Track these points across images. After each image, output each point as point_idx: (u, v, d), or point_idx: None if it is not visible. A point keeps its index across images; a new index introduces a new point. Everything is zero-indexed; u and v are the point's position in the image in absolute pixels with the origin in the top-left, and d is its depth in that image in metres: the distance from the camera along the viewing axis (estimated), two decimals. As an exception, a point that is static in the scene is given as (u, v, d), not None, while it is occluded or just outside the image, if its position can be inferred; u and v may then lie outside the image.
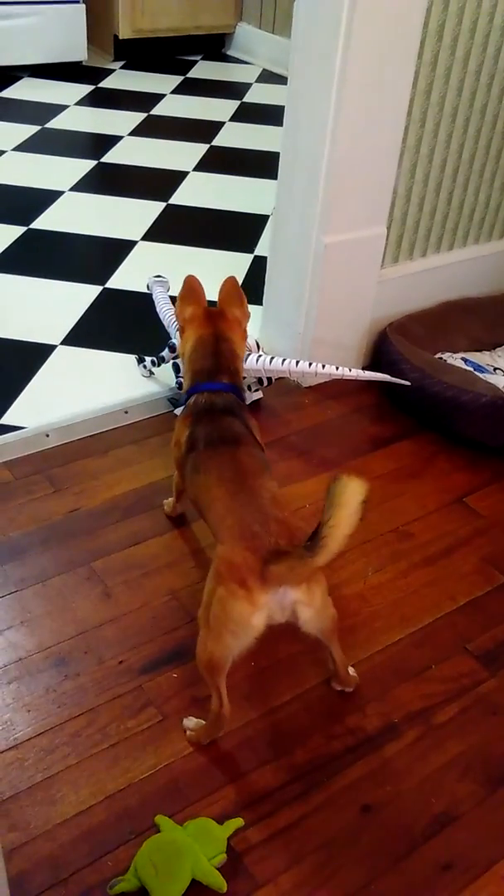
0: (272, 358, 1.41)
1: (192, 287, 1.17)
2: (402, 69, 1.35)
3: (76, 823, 0.89)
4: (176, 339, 1.48)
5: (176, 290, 1.69)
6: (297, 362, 1.40)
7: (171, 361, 1.49)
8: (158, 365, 1.55)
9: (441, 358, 1.59)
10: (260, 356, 1.42)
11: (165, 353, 1.51)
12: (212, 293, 1.84)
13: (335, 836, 0.90)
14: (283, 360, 1.41)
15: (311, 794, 0.94)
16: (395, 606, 1.17)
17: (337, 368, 1.40)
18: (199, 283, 1.18)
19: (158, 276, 1.62)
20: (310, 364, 1.40)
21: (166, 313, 1.54)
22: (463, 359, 1.61)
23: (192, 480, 1.06)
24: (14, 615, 1.11)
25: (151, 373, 1.56)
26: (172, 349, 1.49)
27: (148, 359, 1.55)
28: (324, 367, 1.40)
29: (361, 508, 0.82)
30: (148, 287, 1.62)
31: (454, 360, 1.60)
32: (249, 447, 1.05)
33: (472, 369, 1.56)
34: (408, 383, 1.43)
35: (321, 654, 1.08)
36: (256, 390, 1.52)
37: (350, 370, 1.41)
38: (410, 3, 1.29)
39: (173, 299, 1.57)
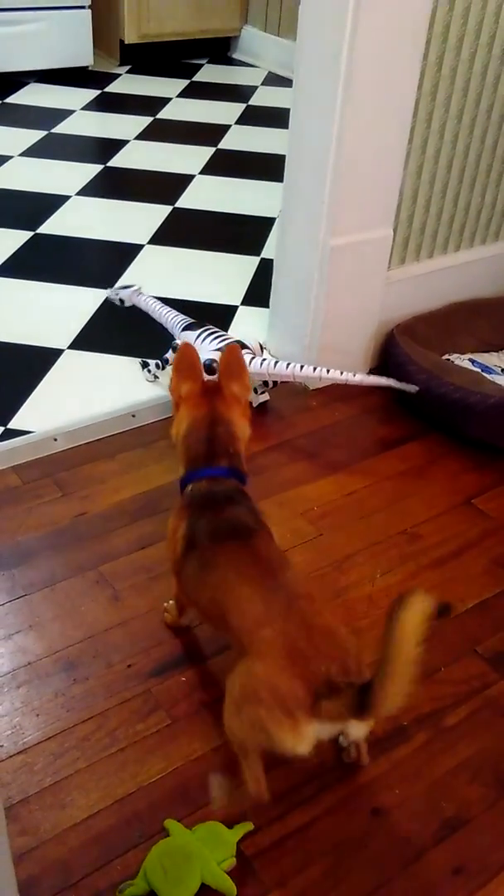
0: (277, 362, 1.41)
1: (187, 359, 1.05)
2: (408, 70, 1.35)
3: (85, 827, 0.89)
4: (180, 340, 1.49)
5: (179, 294, 1.70)
6: (302, 367, 1.40)
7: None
8: (163, 368, 1.55)
9: (448, 359, 1.59)
10: (265, 360, 1.42)
11: (169, 355, 1.51)
12: (217, 296, 1.85)
13: (345, 839, 0.90)
14: (288, 364, 1.41)
15: (321, 797, 0.93)
16: (403, 609, 1.16)
17: (342, 373, 1.40)
18: (195, 354, 1.07)
19: (127, 286, 1.58)
20: (314, 369, 1.40)
21: (168, 316, 1.53)
22: (470, 360, 1.60)
23: (199, 581, 0.94)
24: (23, 619, 1.11)
25: (156, 377, 1.56)
26: (176, 350, 1.49)
27: (152, 363, 1.55)
28: (328, 371, 1.40)
29: (424, 631, 0.73)
30: (122, 303, 1.59)
31: (462, 361, 1.59)
32: (265, 538, 0.94)
33: (479, 370, 1.55)
34: (415, 389, 1.42)
35: (330, 657, 1.08)
36: (262, 392, 1.52)
37: (355, 375, 1.41)
38: (415, 5, 1.29)
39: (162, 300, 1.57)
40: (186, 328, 1.49)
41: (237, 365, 1.05)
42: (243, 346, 1.44)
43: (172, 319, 1.52)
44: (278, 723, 0.76)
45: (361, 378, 1.42)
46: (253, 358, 1.42)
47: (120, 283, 1.68)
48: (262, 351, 1.47)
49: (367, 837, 0.90)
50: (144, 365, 1.56)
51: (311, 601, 0.86)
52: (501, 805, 0.94)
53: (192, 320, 1.51)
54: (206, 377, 1.40)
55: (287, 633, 0.81)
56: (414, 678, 0.73)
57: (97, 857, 0.87)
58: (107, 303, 1.80)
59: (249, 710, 0.79)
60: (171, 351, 1.51)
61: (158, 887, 0.82)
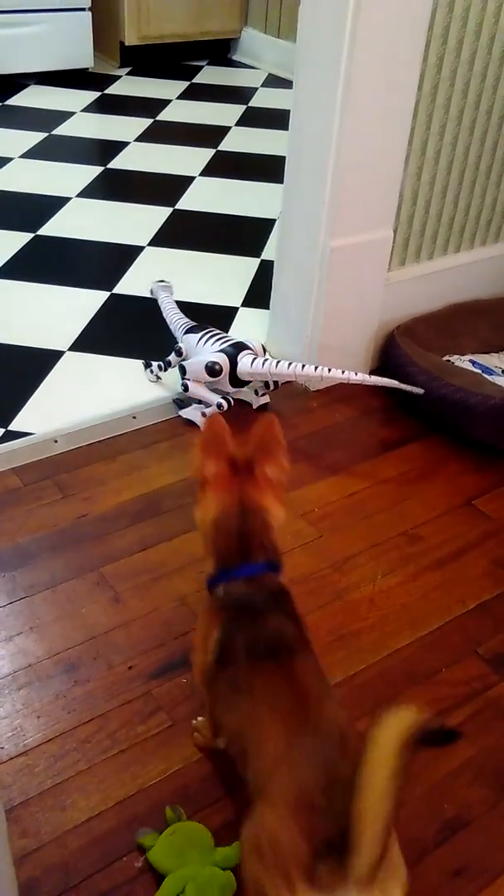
0: (278, 362, 1.41)
1: (215, 435, 0.90)
2: (408, 72, 1.35)
3: (86, 829, 0.89)
4: (182, 343, 1.49)
5: (179, 295, 1.71)
6: (304, 366, 1.41)
7: (178, 364, 1.49)
8: (165, 369, 1.55)
9: (449, 360, 1.59)
10: (266, 360, 1.42)
11: (172, 357, 1.51)
12: (217, 297, 1.85)
13: (346, 841, 0.89)
14: (290, 363, 1.41)
15: (322, 799, 0.93)
16: (404, 610, 1.16)
17: (343, 372, 1.40)
18: (224, 427, 0.90)
19: (162, 281, 1.62)
20: (316, 368, 1.40)
21: (173, 318, 1.54)
22: (471, 361, 1.60)
23: (228, 705, 0.83)
24: (23, 621, 1.11)
25: (158, 378, 1.57)
26: (179, 353, 1.49)
27: (155, 364, 1.55)
28: (329, 371, 1.40)
29: (404, 759, 0.61)
30: (152, 293, 1.63)
31: (462, 362, 1.59)
32: (307, 658, 0.82)
33: (480, 371, 1.55)
34: (420, 391, 1.43)
35: (331, 658, 1.08)
36: (263, 394, 1.52)
37: (357, 374, 1.41)
38: (415, 6, 1.29)
39: (178, 304, 1.58)
40: (189, 331, 1.49)
41: (273, 441, 0.91)
42: (246, 346, 1.44)
43: (177, 322, 1.53)
44: (275, 889, 0.67)
45: (363, 377, 1.42)
46: (255, 358, 1.42)
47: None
48: (265, 352, 1.47)
49: (368, 839, 0.90)
50: (147, 365, 1.57)
51: (345, 744, 0.73)
52: (502, 807, 0.94)
53: (195, 323, 1.51)
54: (209, 379, 1.42)
55: (304, 782, 0.71)
56: (390, 821, 0.62)
57: (98, 859, 0.86)
58: (107, 304, 1.81)
59: (251, 866, 0.71)
60: (173, 353, 1.51)
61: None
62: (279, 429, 0.91)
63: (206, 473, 0.89)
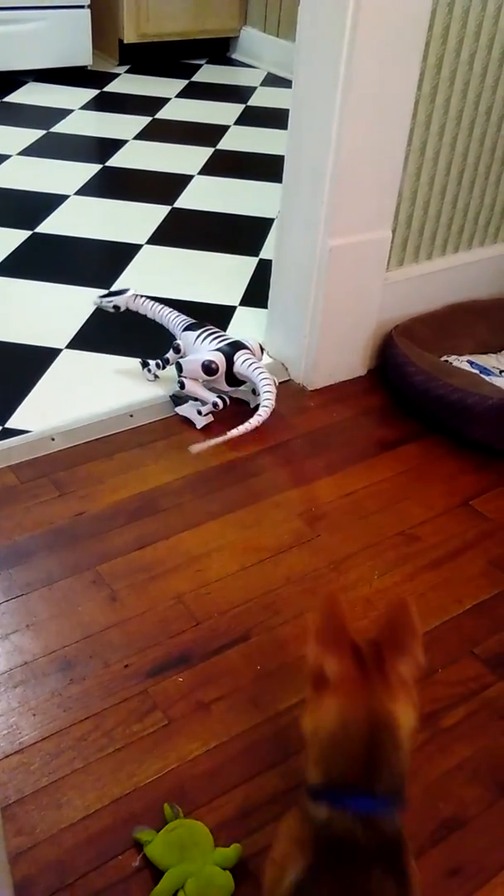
0: (262, 372, 1.40)
1: (334, 619, 0.75)
2: (407, 72, 1.35)
3: (82, 828, 0.89)
4: (181, 340, 1.49)
5: (176, 294, 1.69)
6: (268, 393, 1.38)
7: (175, 362, 1.49)
8: (163, 367, 1.55)
9: (447, 360, 1.59)
10: (257, 366, 1.41)
11: (170, 354, 1.51)
12: (215, 297, 1.85)
13: (342, 840, 0.89)
14: (267, 380, 1.39)
15: (318, 798, 0.93)
16: (401, 610, 1.16)
17: (258, 416, 1.37)
18: (342, 609, 0.75)
19: (120, 292, 1.55)
20: (263, 414, 1.37)
21: (169, 316, 1.53)
22: (469, 361, 1.60)
23: None
24: (20, 619, 1.10)
25: (156, 376, 1.56)
26: (177, 350, 1.49)
27: (152, 362, 1.55)
28: (265, 409, 1.38)
29: None
30: (118, 308, 1.56)
31: (460, 362, 1.59)
32: None
33: (478, 372, 1.55)
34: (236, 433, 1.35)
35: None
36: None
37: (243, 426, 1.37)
38: (415, 6, 1.29)
39: (157, 299, 1.56)
40: (187, 328, 1.49)
41: (407, 630, 0.74)
42: (243, 346, 1.44)
43: (174, 320, 1.52)
44: None
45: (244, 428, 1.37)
46: (248, 359, 1.42)
47: (114, 287, 1.66)
48: (262, 352, 1.47)
49: (363, 839, 0.90)
50: (144, 364, 1.56)
51: None
52: (498, 806, 0.94)
53: (193, 321, 1.51)
54: (205, 377, 1.41)
55: None
56: None
57: (93, 857, 0.86)
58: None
59: None
60: (171, 351, 1.51)
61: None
62: (415, 615, 0.74)
63: (324, 670, 0.71)
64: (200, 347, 1.45)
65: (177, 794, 0.92)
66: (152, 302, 1.56)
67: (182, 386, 1.46)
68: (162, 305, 1.55)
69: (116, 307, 1.57)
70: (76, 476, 1.34)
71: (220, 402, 1.43)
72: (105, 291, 1.61)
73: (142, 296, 1.57)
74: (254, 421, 1.35)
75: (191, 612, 1.13)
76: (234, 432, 1.34)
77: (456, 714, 1.03)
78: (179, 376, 1.46)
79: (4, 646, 1.07)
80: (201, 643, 1.09)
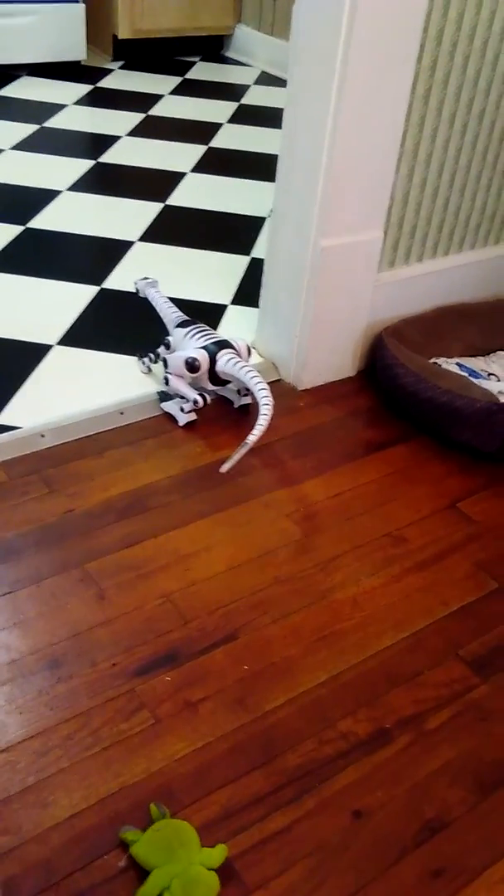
0: (250, 370, 1.39)
1: None
2: (402, 73, 1.35)
3: (68, 827, 0.89)
4: (172, 336, 1.49)
5: (168, 292, 1.70)
6: (265, 398, 1.35)
7: (163, 357, 1.49)
8: (154, 361, 1.56)
9: (436, 363, 1.59)
10: (242, 364, 1.40)
11: (161, 349, 1.52)
12: (206, 295, 1.85)
13: (326, 841, 0.90)
14: (256, 378, 1.38)
15: (303, 799, 0.94)
16: (387, 611, 1.17)
17: (254, 437, 1.33)
18: None
19: (146, 279, 1.62)
20: (264, 412, 1.34)
21: (167, 311, 1.54)
22: (458, 364, 1.61)
23: None
24: (7, 617, 1.10)
25: (150, 369, 1.57)
26: (168, 346, 1.50)
27: (147, 356, 1.56)
28: (259, 427, 1.33)
29: None
30: (139, 291, 1.62)
31: (449, 365, 1.60)
32: None
33: (466, 374, 1.56)
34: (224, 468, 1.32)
35: (315, 658, 1.08)
36: (245, 394, 1.52)
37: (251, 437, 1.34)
38: (410, 8, 1.29)
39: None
40: (179, 325, 1.49)
41: None
42: (229, 345, 1.44)
43: (170, 315, 1.53)
44: None
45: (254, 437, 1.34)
46: (231, 358, 1.41)
47: (141, 276, 1.71)
48: (249, 353, 1.47)
49: (348, 840, 0.90)
50: (141, 356, 1.57)
51: None
52: (481, 808, 0.95)
53: (188, 318, 1.51)
54: (188, 374, 1.41)
55: None
56: None
57: (79, 856, 0.87)
58: (96, 299, 1.80)
59: None
60: (162, 346, 1.51)
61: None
62: None
63: None
64: (187, 344, 1.45)
65: (163, 794, 0.93)
66: (159, 294, 1.57)
67: (167, 382, 1.47)
68: (165, 299, 1.56)
69: (138, 290, 1.62)
70: (66, 473, 1.34)
71: (200, 399, 1.43)
72: (143, 276, 1.67)
73: (156, 287, 1.59)
74: (263, 422, 1.34)
75: (178, 611, 1.13)
76: (252, 438, 1.33)
77: (440, 716, 1.04)
78: (166, 371, 1.47)
79: (-8, 643, 1.07)
80: (189, 642, 1.09)
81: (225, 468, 1.33)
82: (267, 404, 1.35)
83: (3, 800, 0.91)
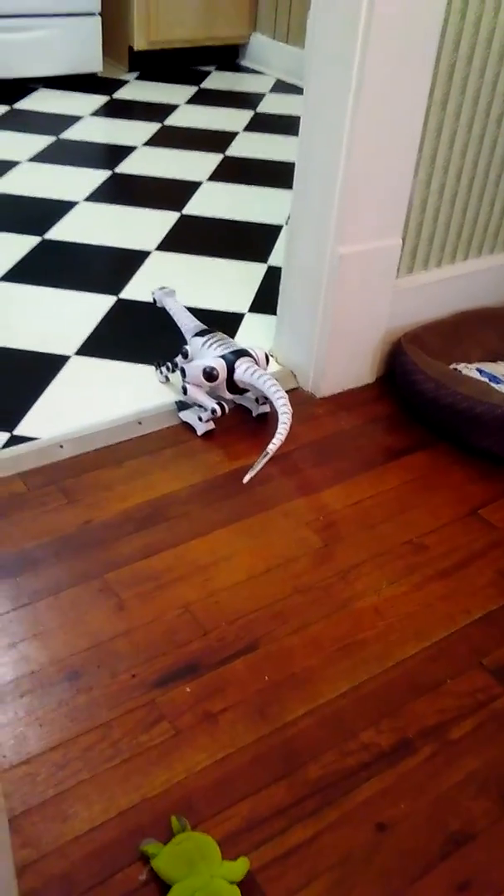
0: (268, 378, 1.38)
1: None
2: (419, 80, 1.34)
3: (88, 840, 0.88)
4: (189, 346, 1.49)
5: (186, 301, 1.70)
6: (283, 407, 1.35)
7: (180, 367, 1.49)
8: (172, 371, 1.55)
9: (456, 368, 1.58)
10: (260, 373, 1.39)
11: (178, 358, 1.51)
12: (224, 303, 1.84)
13: (350, 854, 0.89)
14: (275, 387, 1.37)
15: (325, 811, 0.93)
16: (409, 620, 1.16)
17: (275, 445, 1.33)
18: None
19: (163, 288, 1.62)
20: (283, 422, 1.34)
21: (184, 320, 1.54)
22: (478, 369, 1.60)
23: None
24: (27, 628, 1.10)
25: (167, 378, 1.57)
26: (185, 355, 1.49)
27: (165, 365, 1.56)
28: (284, 423, 1.33)
29: None
30: (156, 301, 1.62)
31: (469, 370, 1.59)
32: None
33: (487, 380, 1.55)
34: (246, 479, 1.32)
35: (336, 668, 1.07)
36: (263, 403, 1.51)
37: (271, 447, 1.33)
38: (427, 14, 1.29)
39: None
40: (197, 334, 1.49)
41: None
42: (247, 354, 1.44)
43: (187, 324, 1.53)
44: None
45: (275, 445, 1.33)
46: (249, 367, 1.41)
47: (159, 286, 1.69)
48: (268, 361, 1.47)
49: (372, 852, 0.89)
50: (158, 365, 1.57)
51: None
52: (507, 821, 0.93)
53: (205, 327, 1.51)
54: (207, 384, 1.41)
55: None
56: None
57: (99, 870, 0.86)
58: (113, 309, 1.81)
59: None
60: (180, 355, 1.51)
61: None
62: None
63: None
64: (205, 353, 1.45)
65: (184, 806, 0.92)
66: (177, 303, 1.57)
67: (185, 391, 1.46)
68: (183, 308, 1.56)
69: (155, 300, 1.62)
70: (84, 483, 1.34)
71: (218, 408, 1.42)
72: (160, 286, 1.66)
73: (174, 297, 1.60)
74: (282, 431, 1.34)
75: (198, 622, 1.13)
76: (272, 448, 1.32)
77: (464, 726, 1.02)
78: (184, 381, 1.47)
79: (11, 654, 1.07)
80: (209, 653, 1.09)
81: (246, 479, 1.33)
82: (286, 413, 1.35)
83: (23, 812, 0.90)
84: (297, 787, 0.94)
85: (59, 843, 0.88)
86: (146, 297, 1.85)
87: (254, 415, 1.52)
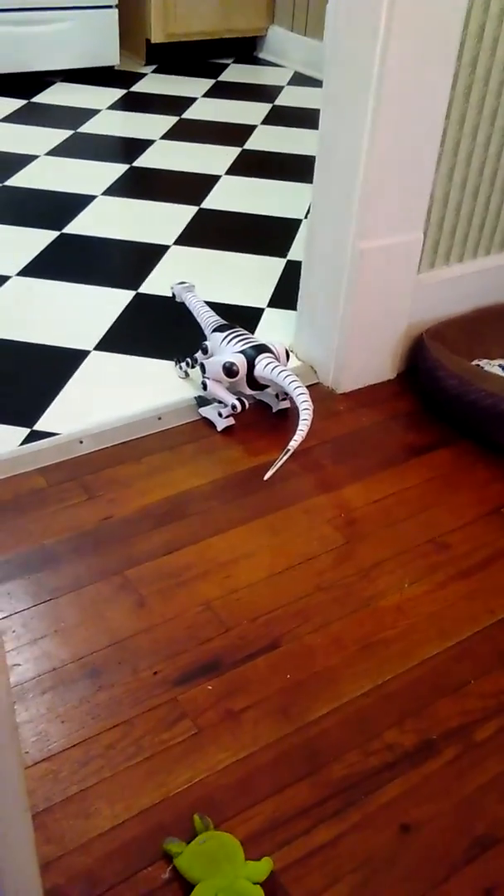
0: (288, 374, 1.36)
1: None
2: (442, 71, 1.33)
3: (110, 838, 0.88)
4: (209, 341, 1.48)
5: (205, 295, 1.69)
6: (304, 402, 1.34)
7: (200, 362, 1.48)
8: (192, 366, 1.54)
9: (478, 365, 1.56)
10: (281, 369, 1.38)
11: (199, 354, 1.51)
12: (243, 298, 1.83)
13: (373, 855, 0.88)
14: (296, 383, 1.36)
15: (349, 811, 0.92)
16: (432, 619, 1.15)
17: (297, 440, 1.31)
18: None
19: (183, 283, 1.61)
20: (304, 416, 1.32)
21: (203, 315, 1.53)
22: (500, 366, 1.58)
23: None
24: (48, 624, 1.10)
25: (187, 374, 1.56)
26: (205, 351, 1.48)
27: (184, 360, 1.55)
28: (302, 430, 1.32)
29: None
30: (175, 296, 1.61)
31: (492, 367, 1.57)
32: None
33: (509, 376, 1.53)
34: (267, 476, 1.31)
35: (358, 667, 1.07)
36: (284, 398, 1.50)
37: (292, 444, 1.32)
38: (450, 4, 1.27)
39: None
40: (216, 329, 1.48)
41: None
42: (267, 349, 1.43)
43: (207, 319, 1.52)
44: None
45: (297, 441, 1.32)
46: (270, 363, 1.40)
47: (178, 280, 1.67)
48: (288, 357, 1.45)
49: (395, 854, 0.88)
50: (178, 361, 1.56)
51: None
52: (533, 823, 0.92)
53: (225, 322, 1.50)
54: (227, 379, 1.40)
55: None
56: None
57: (122, 868, 0.86)
58: (132, 304, 1.80)
59: None
60: (200, 351, 1.50)
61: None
62: None
63: None
64: (225, 349, 1.44)
65: (206, 805, 0.91)
66: (197, 299, 1.56)
67: (205, 387, 1.45)
68: (202, 303, 1.55)
69: (174, 295, 1.61)
70: (104, 479, 1.34)
71: (238, 404, 1.41)
72: (179, 281, 1.65)
73: (193, 292, 1.59)
74: (304, 427, 1.33)
75: (219, 619, 1.12)
76: (293, 444, 1.31)
77: (489, 727, 1.01)
78: (203, 377, 1.46)
79: (33, 651, 1.06)
80: (230, 650, 1.08)
81: (268, 476, 1.32)
82: (307, 409, 1.34)
83: (46, 809, 0.90)
84: (321, 787, 0.94)
85: (82, 841, 0.87)
86: (165, 292, 1.84)
87: (274, 410, 1.51)
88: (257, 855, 0.87)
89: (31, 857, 0.69)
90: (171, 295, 1.63)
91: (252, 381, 1.42)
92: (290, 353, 1.59)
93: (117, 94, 3.00)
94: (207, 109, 2.92)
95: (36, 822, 0.89)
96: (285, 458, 1.31)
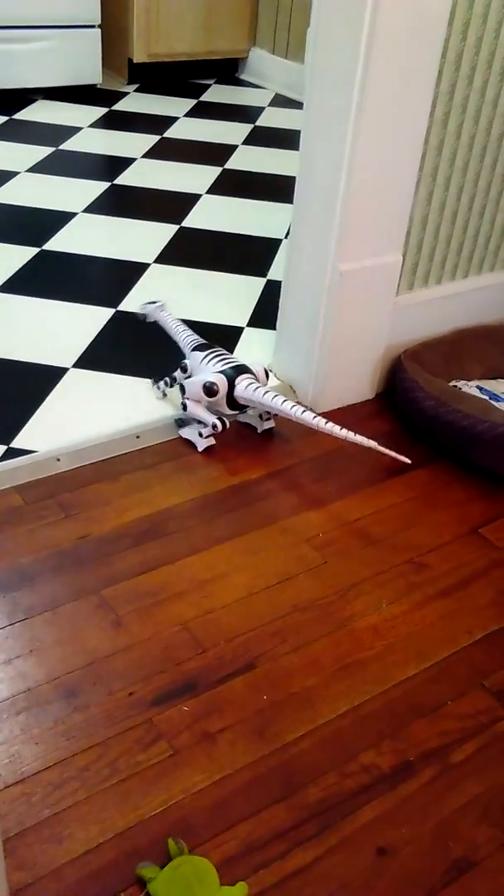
0: (276, 395, 1.38)
1: None
2: (420, 97, 1.35)
3: (84, 862, 0.87)
4: (189, 360, 1.48)
5: (183, 312, 1.69)
6: (304, 411, 1.37)
7: (179, 382, 1.48)
8: (170, 386, 1.54)
9: (456, 386, 1.58)
10: (265, 390, 1.39)
11: (178, 373, 1.50)
12: (223, 317, 1.84)
13: (350, 879, 0.87)
14: (292, 405, 1.38)
15: (325, 834, 0.91)
16: (409, 640, 1.15)
17: (340, 429, 1.36)
18: None
19: (153, 302, 1.60)
20: (314, 416, 1.37)
21: (181, 334, 1.53)
22: (478, 387, 1.59)
23: None
24: (23, 644, 1.09)
25: (165, 394, 1.56)
26: (184, 370, 1.48)
27: (162, 380, 1.54)
28: (326, 423, 1.36)
29: None
30: (146, 317, 1.60)
31: (469, 388, 1.58)
32: None
33: (487, 398, 1.54)
34: (407, 461, 1.39)
35: (335, 688, 1.06)
36: (268, 419, 1.51)
37: (355, 435, 1.36)
38: (428, 33, 1.29)
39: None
40: (196, 349, 1.48)
41: None
42: (247, 370, 1.43)
43: (185, 339, 1.52)
44: None
45: (355, 437, 1.36)
46: (251, 384, 1.40)
47: (146, 300, 1.67)
48: (267, 377, 1.46)
49: (373, 878, 0.88)
50: (155, 381, 1.56)
51: None
52: (509, 846, 0.92)
53: (204, 341, 1.50)
54: (206, 399, 1.41)
55: None
56: None
57: (96, 894, 0.84)
58: (111, 321, 1.80)
59: None
60: (179, 370, 1.50)
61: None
62: None
63: None
64: (205, 369, 1.44)
65: (182, 828, 0.90)
66: (172, 318, 1.56)
67: (185, 407, 1.45)
68: (179, 322, 1.55)
69: (144, 316, 1.59)
70: (81, 497, 1.33)
71: (219, 423, 1.41)
72: (148, 300, 1.63)
73: (166, 310, 1.58)
74: (322, 422, 1.36)
75: (196, 640, 1.11)
76: (351, 436, 1.35)
77: (465, 749, 1.01)
78: (183, 397, 1.45)
79: (7, 671, 1.05)
80: (207, 671, 1.07)
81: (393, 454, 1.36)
82: (304, 409, 1.36)
83: (18, 834, 0.89)
84: (297, 810, 0.93)
85: (54, 866, 0.86)
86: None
87: (259, 431, 1.51)
88: (232, 880, 0.86)
89: (2, 884, 0.68)
90: (139, 317, 1.61)
91: (232, 402, 1.42)
92: (269, 373, 1.59)
93: (99, 112, 3.01)
94: (189, 129, 2.94)
95: (8, 847, 0.87)
96: (382, 449, 1.36)
